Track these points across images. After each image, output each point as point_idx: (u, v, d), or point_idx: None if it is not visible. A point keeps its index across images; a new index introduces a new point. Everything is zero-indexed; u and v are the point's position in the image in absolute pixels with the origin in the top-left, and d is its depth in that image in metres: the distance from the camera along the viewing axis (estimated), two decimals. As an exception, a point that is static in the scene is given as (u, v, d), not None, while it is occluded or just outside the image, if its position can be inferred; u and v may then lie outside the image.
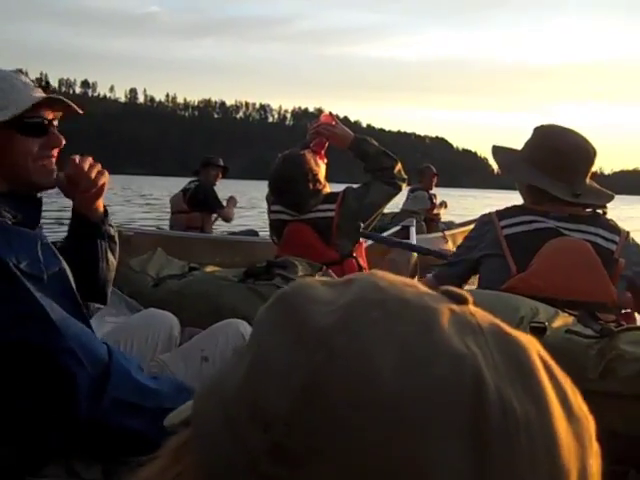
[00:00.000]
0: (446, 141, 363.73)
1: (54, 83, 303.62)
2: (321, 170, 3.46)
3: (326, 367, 0.40)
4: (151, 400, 1.47)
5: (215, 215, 7.62)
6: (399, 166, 3.44)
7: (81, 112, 1.80)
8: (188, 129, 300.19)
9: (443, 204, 9.61)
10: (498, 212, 2.32)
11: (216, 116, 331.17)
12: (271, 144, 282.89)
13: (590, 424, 0.43)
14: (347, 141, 3.48)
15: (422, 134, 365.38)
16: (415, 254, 4.79)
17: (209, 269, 2.70)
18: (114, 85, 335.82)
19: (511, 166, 2.40)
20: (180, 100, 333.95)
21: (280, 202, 3.49)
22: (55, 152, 1.70)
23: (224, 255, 6.26)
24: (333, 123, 3.55)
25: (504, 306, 1.62)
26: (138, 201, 26.25)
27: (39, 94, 1.65)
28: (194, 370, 1.82)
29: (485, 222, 2.33)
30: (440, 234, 8.60)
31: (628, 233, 2.26)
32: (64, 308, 1.42)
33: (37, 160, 1.65)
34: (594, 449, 0.42)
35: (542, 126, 2.39)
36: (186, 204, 7.35)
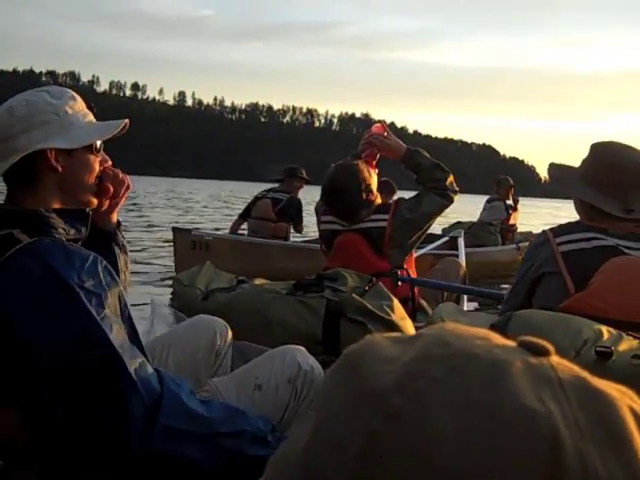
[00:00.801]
0: (493, 148, 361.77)
1: (105, 85, 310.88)
2: (374, 181, 3.47)
3: (384, 432, 0.37)
4: (204, 426, 1.44)
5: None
6: (451, 178, 3.43)
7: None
8: (235, 132, 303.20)
9: (515, 205, 9.38)
10: (553, 229, 2.26)
11: (263, 120, 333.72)
12: (317, 149, 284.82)
13: None
14: (400, 153, 3.47)
15: (469, 141, 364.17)
16: (464, 265, 4.69)
17: (258, 282, 2.67)
18: (163, 88, 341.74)
19: (564, 180, 2.36)
20: (228, 104, 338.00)
21: (332, 212, 3.50)
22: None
23: (300, 261, 6.42)
24: (385, 134, 3.54)
25: (566, 328, 1.57)
26: (181, 205, 26.51)
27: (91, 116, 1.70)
28: (246, 398, 1.78)
29: (539, 242, 2.25)
30: (514, 246, 8.53)
31: None
32: (122, 331, 1.41)
33: (95, 178, 1.69)
34: None
35: (598, 143, 2.35)
36: (275, 214, 7.48)
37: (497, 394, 0.37)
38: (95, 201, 1.71)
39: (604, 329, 1.61)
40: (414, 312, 3.25)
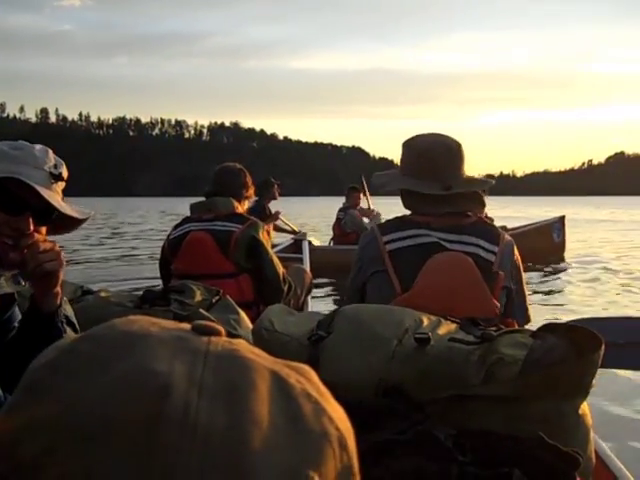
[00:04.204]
0: (362, 150, 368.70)
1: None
2: (251, 192, 3.87)
3: (21, 403, 0.42)
4: None
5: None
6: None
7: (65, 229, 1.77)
8: (103, 148, 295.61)
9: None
10: (381, 227, 2.30)
11: (131, 134, 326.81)
12: (188, 160, 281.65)
13: (332, 442, 0.43)
14: None
15: (339, 144, 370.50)
16: (308, 269, 4.80)
17: (103, 294, 2.62)
18: (24, 105, 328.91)
19: (385, 182, 2.43)
20: (94, 119, 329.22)
21: (216, 182, 3.79)
22: (21, 239, 1.57)
23: (331, 255, 7.43)
24: None
25: (388, 319, 1.61)
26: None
27: (42, 178, 1.59)
28: None
29: (367, 242, 2.30)
30: None
31: (504, 237, 2.25)
32: None
33: None
34: (330, 465, 0.42)
35: (407, 140, 2.43)
36: None
37: (127, 359, 0.42)
38: None
39: (425, 317, 1.64)
40: (258, 317, 3.33)
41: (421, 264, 2.08)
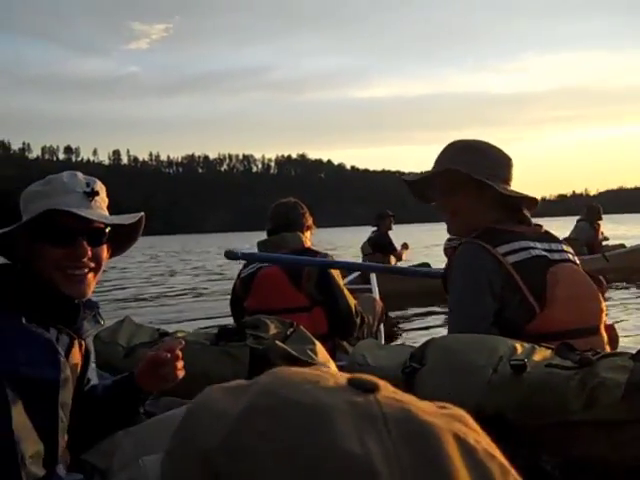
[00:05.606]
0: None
1: (37, 151, 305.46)
2: (310, 222, 3.86)
3: None
4: None
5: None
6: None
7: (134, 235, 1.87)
8: (173, 186, 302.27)
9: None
10: (486, 239, 2.08)
11: (200, 171, 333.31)
12: (256, 193, 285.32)
13: None
14: None
15: (406, 171, 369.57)
16: (378, 299, 4.82)
17: (180, 334, 2.65)
18: (97, 148, 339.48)
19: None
20: (164, 158, 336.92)
21: (273, 218, 3.83)
22: (86, 262, 1.61)
23: (400, 282, 7.60)
24: None
25: (482, 348, 1.59)
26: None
27: (78, 200, 1.60)
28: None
29: (477, 253, 2.06)
30: (599, 255, 10.62)
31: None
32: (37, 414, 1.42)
33: (62, 269, 1.60)
34: None
35: (470, 142, 2.27)
36: (371, 248, 9.97)
37: (318, 441, 0.39)
38: (74, 294, 1.62)
39: (518, 344, 1.61)
40: (334, 350, 3.33)
41: (542, 278, 2.01)
